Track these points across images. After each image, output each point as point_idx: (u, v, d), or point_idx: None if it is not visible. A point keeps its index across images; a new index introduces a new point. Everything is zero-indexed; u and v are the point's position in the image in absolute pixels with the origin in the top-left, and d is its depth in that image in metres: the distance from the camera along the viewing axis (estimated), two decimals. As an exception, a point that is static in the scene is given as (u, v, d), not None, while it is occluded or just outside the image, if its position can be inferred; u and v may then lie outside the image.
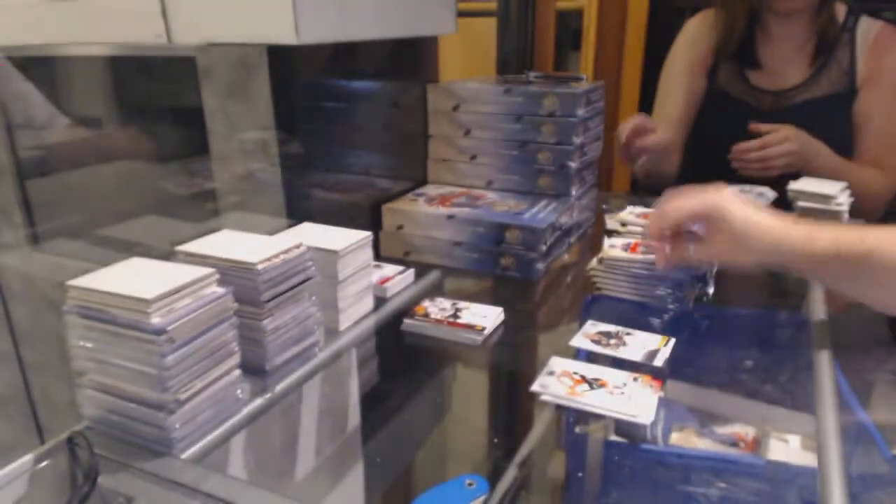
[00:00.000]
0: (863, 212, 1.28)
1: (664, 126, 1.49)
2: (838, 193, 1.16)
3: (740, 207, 0.76)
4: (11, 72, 1.18)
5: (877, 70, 1.30)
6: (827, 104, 1.33)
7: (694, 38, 1.46)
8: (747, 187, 1.25)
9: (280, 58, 0.94)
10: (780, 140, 1.23)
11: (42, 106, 1.22)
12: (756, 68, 1.38)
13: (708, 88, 1.44)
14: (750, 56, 1.37)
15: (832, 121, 1.32)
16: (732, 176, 1.28)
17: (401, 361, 0.86)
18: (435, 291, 1.02)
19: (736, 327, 0.93)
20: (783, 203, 1.22)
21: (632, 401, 0.68)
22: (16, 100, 1.21)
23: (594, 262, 0.96)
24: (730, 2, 1.37)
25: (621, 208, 1.09)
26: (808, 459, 0.65)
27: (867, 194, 1.29)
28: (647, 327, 0.85)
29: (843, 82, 1.32)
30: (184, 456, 0.62)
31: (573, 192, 1.15)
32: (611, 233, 1.05)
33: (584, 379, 0.72)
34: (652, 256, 0.91)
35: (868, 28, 1.32)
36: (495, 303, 0.92)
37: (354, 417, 0.76)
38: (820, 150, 1.26)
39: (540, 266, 1.03)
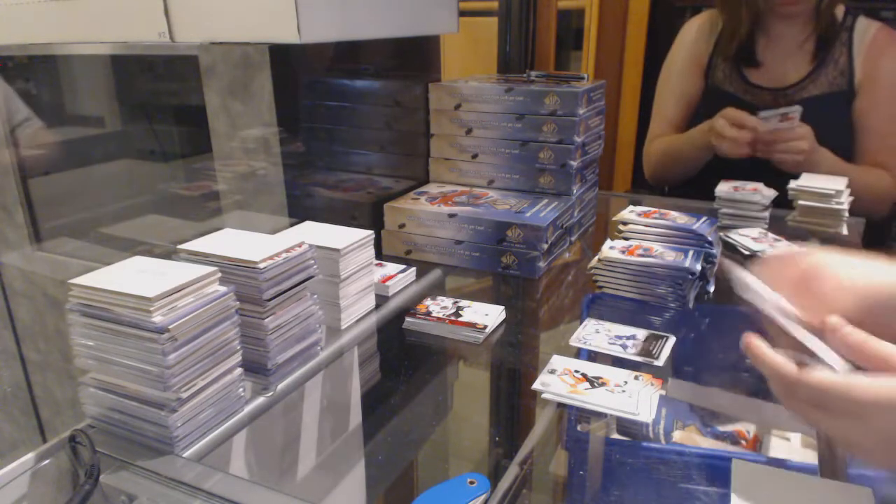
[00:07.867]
0: (869, 211, 1.28)
1: (665, 126, 1.49)
2: (838, 192, 1.17)
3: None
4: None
5: (874, 73, 1.30)
6: (824, 102, 1.33)
7: (693, 39, 1.46)
8: (748, 184, 1.25)
9: (282, 56, 0.94)
10: (800, 136, 1.23)
11: (20, 109, 1.24)
12: (754, 66, 1.38)
13: (705, 87, 1.44)
14: (749, 55, 1.37)
15: (829, 119, 1.32)
16: (730, 173, 1.28)
17: (402, 360, 0.86)
18: (436, 290, 1.02)
19: (737, 326, 0.93)
20: (783, 202, 1.22)
21: (633, 399, 0.68)
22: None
23: (595, 260, 0.96)
24: (732, 6, 1.37)
25: (622, 207, 1.09)
26: (808, 457, 0.65)
27: (873, 195, 1.30)
28: (648, 325, 0.85)
29: (839, 81, 1.32)
30: (185, 454, 0.62)
31: (574, 191, 1.15)
32: (617, 224, 1.04)
33: (585, 377, 0.72)
34: (649, 259, 0.91)
35: (865, 28, 1.32)
36: (496, 301, 0.92)
37: (356, 416, 0.76)
38: (825, 156, 1.27)
39: (541, 264, 1.03)
